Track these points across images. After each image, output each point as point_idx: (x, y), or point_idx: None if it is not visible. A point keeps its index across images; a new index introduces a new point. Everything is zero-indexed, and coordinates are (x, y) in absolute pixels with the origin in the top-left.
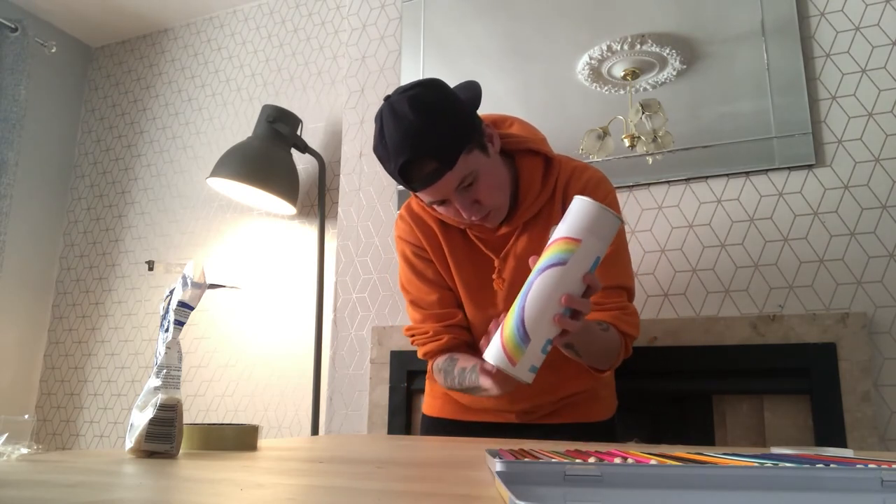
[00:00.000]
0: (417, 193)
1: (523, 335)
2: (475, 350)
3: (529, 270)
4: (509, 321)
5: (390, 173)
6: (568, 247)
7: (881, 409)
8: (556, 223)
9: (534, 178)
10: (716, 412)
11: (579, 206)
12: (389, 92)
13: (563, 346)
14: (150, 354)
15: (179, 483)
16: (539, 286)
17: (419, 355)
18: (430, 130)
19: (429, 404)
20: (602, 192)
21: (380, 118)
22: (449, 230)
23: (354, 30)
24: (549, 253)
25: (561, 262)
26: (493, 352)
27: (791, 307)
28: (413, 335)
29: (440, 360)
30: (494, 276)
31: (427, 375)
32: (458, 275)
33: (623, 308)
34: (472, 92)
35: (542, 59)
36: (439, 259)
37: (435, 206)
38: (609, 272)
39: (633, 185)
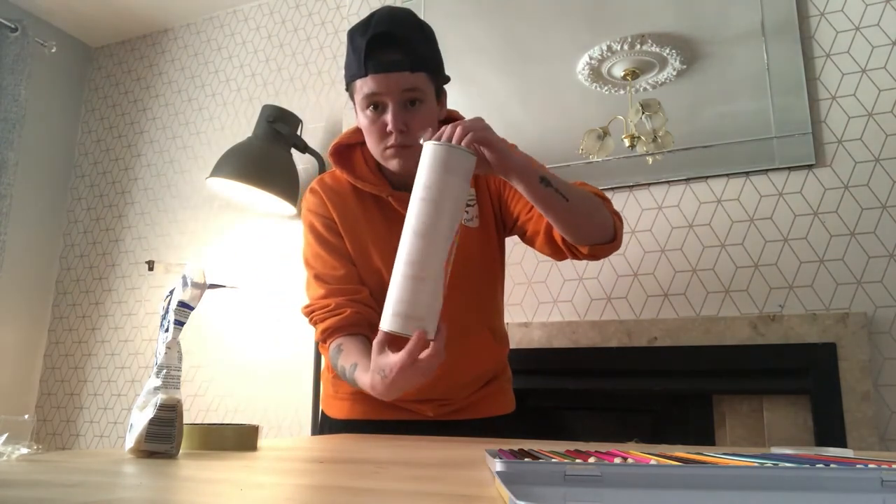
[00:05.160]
0: (364, 80)
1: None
2: (375, 330)
3: None
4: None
5: (356, 49)
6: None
7: (881, 409)
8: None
9: None
10: (716, 412)
11: (435, 152)
12: None
13: (538, 181)
14: (150, 354)
15: (179, 483)
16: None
17: (317, 335)
18: (416, 32)
19: (335, 406)
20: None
21: (374, 11)
22: (365, 202)
23: None
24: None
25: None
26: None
27: (791, 307)
28: (312, 311)
29: (332, 346)
30: None
31: (329, 372)
32: (374, 245)
33: (580, 185)
34: None
35: (542, 59)
36: (350, 231)
37: (366, 111)
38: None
39: (633, 185)
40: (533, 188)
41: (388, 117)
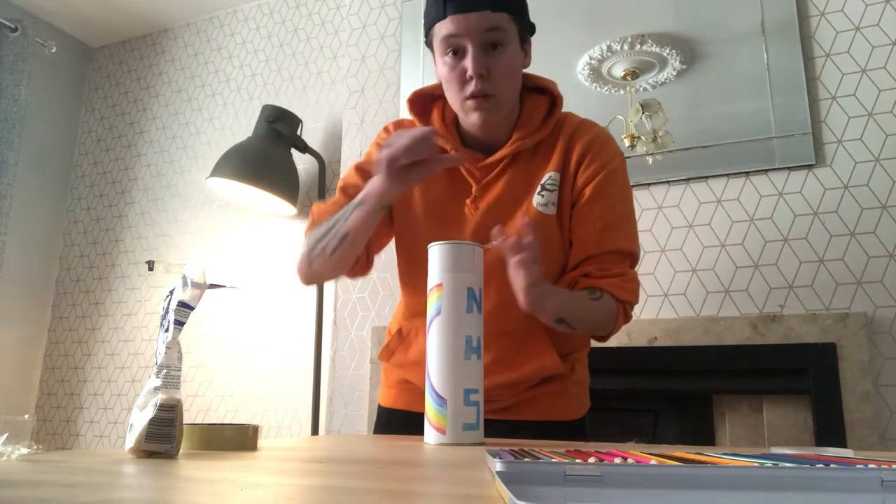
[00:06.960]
0: (443, 22)
1: (439, 399)
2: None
3: (508, 204)
4: (426, 394)
5: None
6: (436, 295)
7: (881, 409)
8: (553, 169)
9: (534, 115)
10: (716, 412)
11: (432, 253)
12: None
13: (554, 321)
14: (150, 354)
15: (179, 483)
16: (432, 345)
17: (307, 225)
18: None
19: (384, 394)
20: (609, 152)
21: None
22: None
23: (354, 30)
24: (428, 311)
25: (437, 313)
26: (428, 434)
27: (791, 307)
28: (315, 209)
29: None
30: (468, 202)
31: (383, 364)
32: (422, 197)
33: (622, 275)
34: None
35: (542, 59)
36: None
37: (445, 58)
38: (613, 237)
39: (633, 185)
40: (548, 321)
41: (468, 62)
